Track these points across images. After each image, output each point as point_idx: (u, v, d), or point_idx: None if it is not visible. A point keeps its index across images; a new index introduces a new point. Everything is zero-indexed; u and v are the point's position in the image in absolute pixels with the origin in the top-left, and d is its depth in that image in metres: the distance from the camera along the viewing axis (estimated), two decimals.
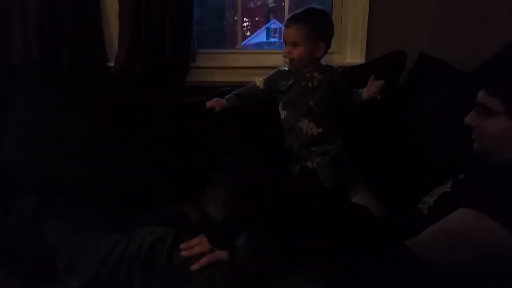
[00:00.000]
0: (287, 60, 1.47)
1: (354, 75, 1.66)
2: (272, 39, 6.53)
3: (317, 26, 1.42)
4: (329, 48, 1.51)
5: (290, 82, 1.48)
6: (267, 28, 6.49)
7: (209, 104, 1.56)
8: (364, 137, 1.56)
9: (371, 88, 1.43)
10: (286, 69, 1.51)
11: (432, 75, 1.63)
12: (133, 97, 1.70)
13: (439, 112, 1.43)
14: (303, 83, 1.47)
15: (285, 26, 1.45)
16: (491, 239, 0.81)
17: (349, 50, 2.00)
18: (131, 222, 1.23)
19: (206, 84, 1.95)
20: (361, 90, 1.49)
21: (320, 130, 1.45)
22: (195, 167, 1.49)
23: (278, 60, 2.04)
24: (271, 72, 1.60)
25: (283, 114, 1.52)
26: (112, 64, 1.93)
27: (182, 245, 1.07)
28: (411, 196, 1.17)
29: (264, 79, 1.56)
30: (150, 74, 1.88)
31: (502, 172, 0.91)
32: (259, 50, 2.38)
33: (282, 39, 1.48)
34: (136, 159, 1.47)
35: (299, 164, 1.49)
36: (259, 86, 1.55)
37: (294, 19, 1.43)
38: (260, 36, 6.45)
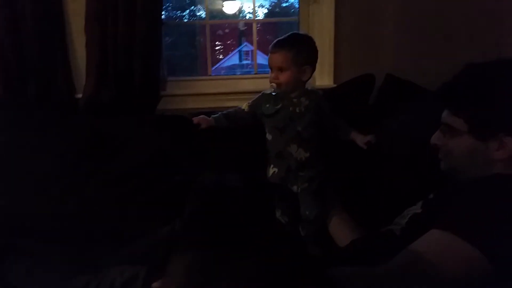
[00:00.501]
0: (274, 85, 1.48)
1: (326, 98, 1.67)
2: (245, 61, 6.62)
3: (302, 50, 1.45)
4: (314, 72, 1.53)
5: (278, 107, 1.49)
6: (239, 51, 6.58)
7: (195, 120, 1.57)
8: (339, 158, 1.57)
9: (365, 142, 1.49)
10: (273, 93, 1.51)
11: (399, 95, 1.68)
12: (102, 129, 1.66)
13: (408, 132, 1.46)
14: (290, 109, 1.48)
15: (271, 52, 1.47)
16: (463, 261, 0.81)
17: (317, 73, 2.03)
18: (101, 261, 1.17)
19: (178, 112, 1.93)
20: (351, 130, 1.54)
21: (308, 154, 1.46)
22: (168, 197, 1.46)
23: (249, 85, 2.07)
24: (253, 96, 1.60)
25: (269, 137, 1.53)
26: (80, 95, 1.90)
27: (154, 284, 1.03)
28: (385, 217, 1.17)
29: (249, 103, 1.57)
30: (119, 104, 1.85)
31: (469, 191, 0.92)
32: (230, 76, 2.39)
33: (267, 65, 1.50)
34: (105, 194, 1.42)
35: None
36: (244, 109, 1.56)
37: (280, 45, 1.45)
38: (233, 59, 6.54)
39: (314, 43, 1.50)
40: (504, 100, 0.91)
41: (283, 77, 1.44)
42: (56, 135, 1.57)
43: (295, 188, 1.48)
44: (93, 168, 1.50)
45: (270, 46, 1.48)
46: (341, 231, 1.40)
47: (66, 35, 1.90)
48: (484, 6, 1.94)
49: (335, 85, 1.98)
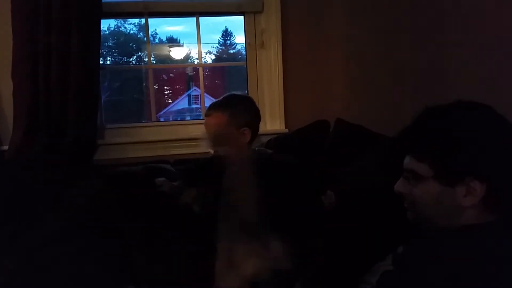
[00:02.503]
0: (211, 152, 1.36)
1: (281, 144, 1.63)
2: (194, 105, 6.57)
3: (238, 112, 1.34)
4: (257, 133, 1.40)
5: None
6: (189, 95, 6.53)
7: None
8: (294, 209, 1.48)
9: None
10: None
11: (351, 140, 1.64)
12: (28, 185, 1.46)
13: (367, 180, 1.40)
14: None
15: (206, 115, 1.37)
16: None
17: (268, 118, 1.98)
18: None
19: (117, 162, 1.78)
20: None
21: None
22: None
23: (197, 130, 1.96)
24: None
25: None
26: (5, 147, 1.70)
27: None
28: (351, 276, 1.08)
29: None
30: (51, 156, 1.67)
31: (441, 247, 0.86)
32: (177, 122, 2.28)
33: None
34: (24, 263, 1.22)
35: None
36: None
37: (213, 108, 1.35)
38: (182, 103, 6.47)
39: (252, 103, 1.39)
40: (468, 142, 0.87)
41: None
42: None
43: None
44: (14, 232, 1.29)
45: (206, 109, 1.38)
46: None
47: None
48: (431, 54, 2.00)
49: (286, 130, 1.94)
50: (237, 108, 1.35)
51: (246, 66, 2.01)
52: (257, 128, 1.39)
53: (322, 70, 1.98)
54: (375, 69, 1.99)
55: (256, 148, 1.43)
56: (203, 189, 1.36)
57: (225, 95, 1.41)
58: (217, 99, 1.40)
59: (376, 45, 1.98)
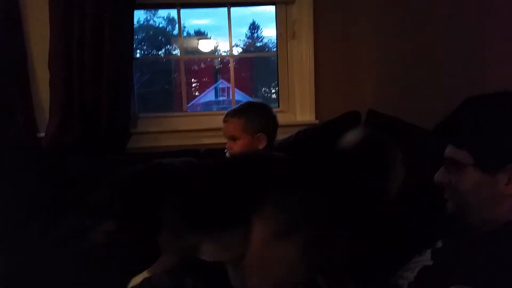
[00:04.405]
0: (229, 155, 1.43)
1: (310, 136, 1.63)
2: (221, 98, 6.60)
3: (254, 118, 1.40)
4: (273, 138, 1.46)
5: None
6: (215, 88, 6.57)
7: None
8: None
9: None
10: None
11: (383, 131, 1.60)
12: (63, 173, 1.50)
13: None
14: None
15: (223, 121, 1.45)
16: None
17: (298, 109, 1.96)
18: None
19: (150, 150, 1.81)
20: None
21: None
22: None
23: None
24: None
25: None
26: (42, 134, 1.75)
27: None
28: (387, 270, 1.06)
29: None
30: (85, 144, 1.71)
31: (486, 243, 0.83)
32: (206, 112, 2.30)
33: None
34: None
35: None
36: None
37: (230, 114, 1.44)
38: (209, 96, 6.51)
39: (268, 109, 1.46)
40: (509, 130, 0.84)
41: (237, 146, 1.40)
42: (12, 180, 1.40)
43: None
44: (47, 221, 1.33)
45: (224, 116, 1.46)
46: None
47: (28, 71, 1.77)
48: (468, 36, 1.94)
49: (317, 121, 1.92)
50: (253, 114, 1.42)
51: (277, 56, 1.99)
52: (273, 134, 1.44)
53: (354, 61, 1.94)
54: (409, 60, 1.94)
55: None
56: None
57: (242, 102, 1.51)
58: (233, 107, 1.48)
59: (411, 35, 1.93)
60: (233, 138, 1.40)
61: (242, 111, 1.42)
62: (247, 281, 0.97)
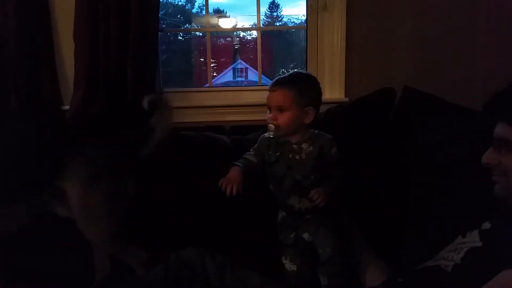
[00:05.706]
0: (272, 126, 1.30)
1: (341, 114, 1.58)
2: (239, 79, 6.56)
3: (305, 90, 1.29)
4: (317, 114, 1.35)
5: (278, 154, 1.32)
6: (233, 68, 6.53)
7: (224, 185, 1.22)
8: (361, 182, 1.40)
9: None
10: (271, 135, 1.33)
11: (421, 110, 1.53)
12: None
13: (446, 151, 1.29)
14: (289, 156, 1.31)
15: (270, 90, 1.31)
16: None
17: (327, 86, 1.89)
18: None
19: (174, 126, 1.77)
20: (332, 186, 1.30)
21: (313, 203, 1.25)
22: None
23: (251, 97, 1.91)
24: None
25: (270, 187, 1.37)
26: (67, 107, 1.73)
27: None
28: (422, 252, 1.01)
29: (253, 152, 1.36)
30: (110, 116, 1.68)
31: None
32: (232, 88, 2.23)
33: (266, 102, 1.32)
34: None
35: (294, 233, 1.32)
36: (254, 161, 1.34)
37: (280, 83, 1.30)
38: (227, 76, 6.47)
39: (318, 83, 1.36)
40: None
41: (283, 118, 1.28)
42: None
43: (306, 235, 1.31)
44: None
45: (270, 84, 1.34)
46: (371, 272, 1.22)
47: (53, 41, 1.74)
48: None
49: (346, 99, 1.84)
50: (304, 86, 1.31)
51: (306, 29, 1.91)
52: (318, 110, 1.34)
53: (389, 35, 1.84)
54: (448, 36, 1.83)
55: (315, 132, 1.36)
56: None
57: (290, 72, 1.40)
58: (281, 76, 1.36)
59: (452, 8, 1.82)
60: (281, 109, 1.28)
61: (295, 81, 1.31)
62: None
